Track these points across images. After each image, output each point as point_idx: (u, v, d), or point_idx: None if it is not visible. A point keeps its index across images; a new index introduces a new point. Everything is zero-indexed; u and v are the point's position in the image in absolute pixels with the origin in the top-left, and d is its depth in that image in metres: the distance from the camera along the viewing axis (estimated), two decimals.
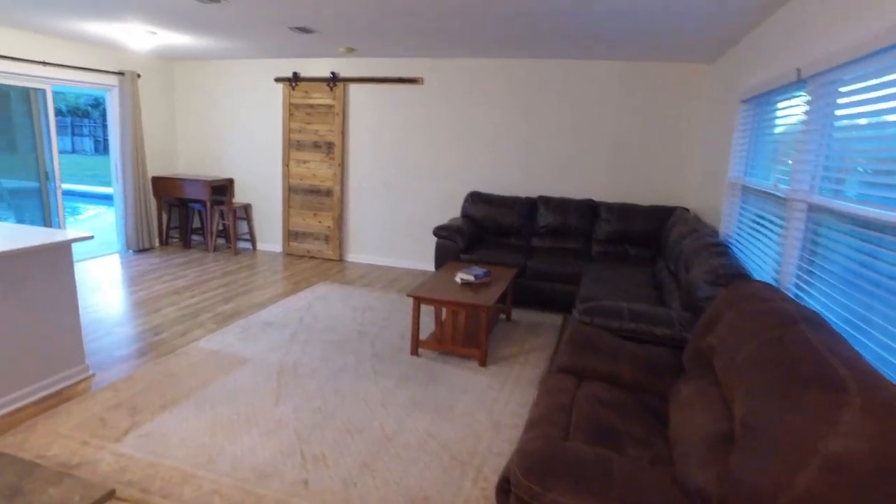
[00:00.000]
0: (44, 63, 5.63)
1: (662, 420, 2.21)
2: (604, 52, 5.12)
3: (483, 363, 3.79)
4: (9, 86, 5.49)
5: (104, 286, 5.31)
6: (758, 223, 3.33)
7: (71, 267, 3.36)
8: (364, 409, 3.17)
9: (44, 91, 5.79)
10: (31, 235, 3.25)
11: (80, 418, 2.96)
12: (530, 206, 5.63)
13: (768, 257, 2.99)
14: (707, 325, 2.28)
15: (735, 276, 2.70)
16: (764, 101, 3.52)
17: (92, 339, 4.02)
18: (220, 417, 3.02)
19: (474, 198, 5.82)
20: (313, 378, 3.53)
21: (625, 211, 5.28)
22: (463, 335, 3.86)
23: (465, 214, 5.84)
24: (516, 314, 4.96)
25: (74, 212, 11.01)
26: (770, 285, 2.16)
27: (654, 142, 5.51)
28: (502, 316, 4.84)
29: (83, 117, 18.57)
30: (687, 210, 5.13)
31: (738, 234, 3.75)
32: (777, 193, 2.96)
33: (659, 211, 5.20)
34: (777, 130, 3.22)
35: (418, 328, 3.92)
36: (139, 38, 5.32)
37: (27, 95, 5.75)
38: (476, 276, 4.14)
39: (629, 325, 2.84)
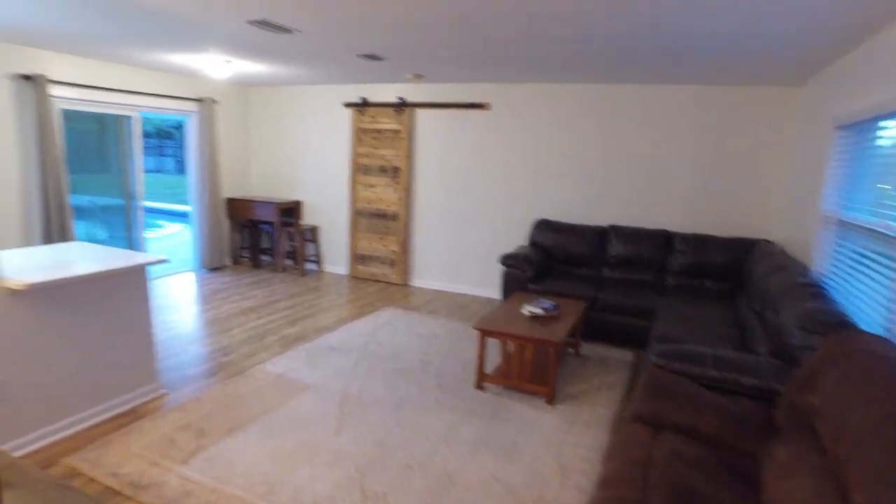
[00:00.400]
0: (132, 92, 5.97)
1: (753, 485, 2.00)
2: (679, 76, 4.92)
3: (550, 401, 3.63)
4: (102, 113, 5.85)
5: (179, 304, 5.50)
6: (861, 262, 3.03)
7: (146, 288, 3.47)
8: (426, 445, 3.08)
9: (131, 118, 6.13)
10: (109, 257, 3.38)
11: (151, 438, 3.01)
12: (601, 235, 5.44)
13: (876, 303, 2.71)
14: (807, 380, 2.06)
15: (836, 324, 2.45)
16: (867, 128, 3.24)
17: (165, 357, 4.13)
18: (283, 445, 3.00)
19: (543, 225, 5.68)
20: (375, 408, 3.47)
21: (701, 242, 5.00)
22: (530, 370, 3.71)
23: (532, 242, 5.71)
24: (585, 348, 4.76)
25: (155, 227, 11.60)
26: (884, 339, 1.93)
27: (733, 170, 5.21)
28: (570, 350, 4.65)
29: (167, 138, 19.72)
30: (770, 243, 4.80)
31: (835, 274, 3.44)
32: (888, 232, 2.68)
33: (739, 243, 4.89)
34: (887, 161, 2.93)
35: (483, 361, 3.80)
36: (217, 66, 5.55)
37: (118, 122, 6.11)
38: (544, 309, 4.00)
39: (712, 372, 2.63)
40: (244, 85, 7.34)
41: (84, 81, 5.56)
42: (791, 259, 3.88)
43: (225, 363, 4.09)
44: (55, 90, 5.32)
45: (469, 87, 6.19)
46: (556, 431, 3.29)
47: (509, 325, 3.76)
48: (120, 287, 3.28)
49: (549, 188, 5.96)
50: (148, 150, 19.73)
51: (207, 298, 5.76)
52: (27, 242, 5.21)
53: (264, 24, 3.76)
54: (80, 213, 6.04)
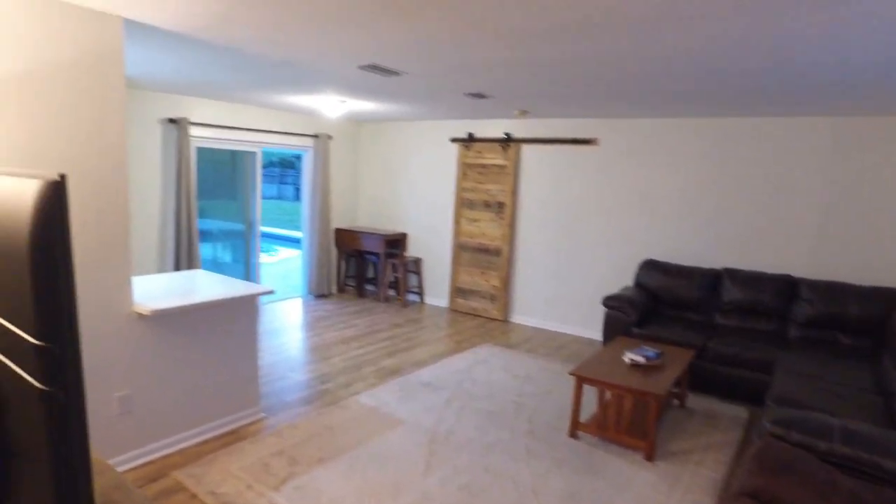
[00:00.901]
0: (257, 130, 6.49)
1: None
2: (809, 107, 4.50)
3: (650, 457, 3.36)
4: (230, 150, 6.40)
5: (284, 329, 5.79)
6: None
7: (255, 316, 3.68)
8: (513, 495, 2.95)
9: (255, 153, 6.65)
10: (225, 287, 3.62)
11: (249, 460, 3.15)
12: (713, 279, 5.05)
13: None
14: None
15: None
16: None
17: (267, 382, 4.34)
18: (370, 481, 3.00)
19: (649, 266, 5.38)
20: (464, 450, 3.39)
21: (834, 291, 4.48)
22: (628, 422, 3.47)
23: (638, 283, 5.42)
24: (692, 401, 4.39)
25: (271, 251, 12.46)
26: None
27: (874, 210, 4.64)
28: (675, 401, 4.32)
29: (289, 167, 21.23)
30: None
31: None
32: None
33: (883, 293, 4.32)
34: None
35: (579, 409, 3.61)
36: (332, 106, 5.88)
37: (242, 156, 6.66)
38: (647, 358, 3.75)
39: (842, 449, 2.29)
40: (357, 121, 7.73)
41: (217, 122, 6.13)
42: None
43: (322, 391, 4.22)
44: (193, 130, 5.90)
45: (577, 122, 6.08)
46: (653, 492, 3.03)
47: (608, 373, 3.56)
48: (232, 315, 3.51)
49: (658, 227, 5.66)
50: (270, 178, 21.45)
51: (311, 325, 6.02)
52: (160, 266, 5.76)
53: (374, 68, 3.93)
54: (206, 236, 6.60)
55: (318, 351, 5.15)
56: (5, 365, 1.31)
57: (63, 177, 1.14)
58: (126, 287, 2.96)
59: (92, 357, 2.85)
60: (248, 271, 6.85)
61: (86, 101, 2.72)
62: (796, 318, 4.62)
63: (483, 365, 4.98)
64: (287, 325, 5.98)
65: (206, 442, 3.37)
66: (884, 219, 4.63)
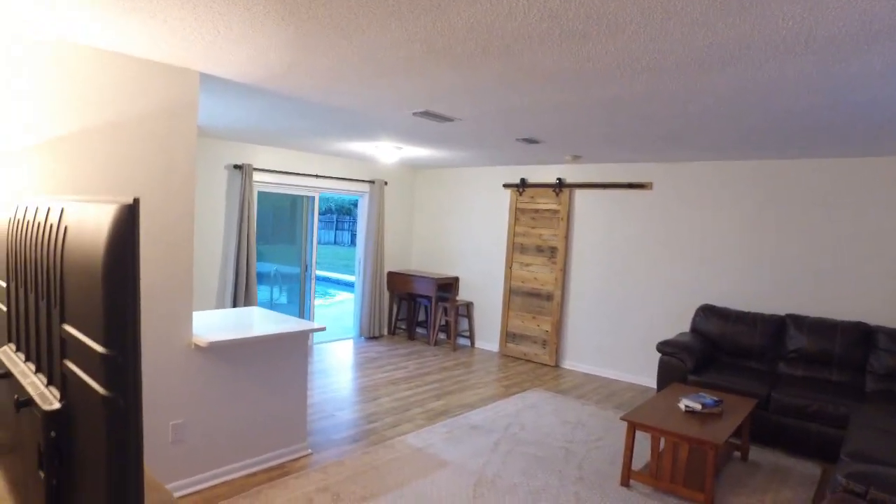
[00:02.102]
0: (315, 176, 6.78)
1: None
2: (874, 147, 4.35)
3: None
4: (289, 194, 6.69)
5: (335, 369, 5.86)
6: None
7: (305, 353, 3.76)
8: None
9: (313, 198, 6.92)
10: (278, 323, 3.73)
11: (294, 495, 3.16)
12: (777, 326, 4.81)
13: None
14: None
15: None
16: None
17: (316, 419, 4.38)
18: None
19: (707, 312, 5.20)
20: (510, 495, 3.30)
21: None
22: (684, 473, 3.30)
23: (694, 329, 5.23)
24: (756, 454, 4.13)
25: (327, 295, 12.73)
26: None
27: None
28: (736, 454, 4.08)
29: (346, 214, 21.88)
30: None
31: None
32: None
33: None
34: None
35: (631, 456, 3.47)
36: (388, 152, 6.10)
37: (301, 201, 6.94)
38: (704, 405, 3.58)
39: None
40: (413, 167, 7.96)
41: (278, 168, 6.44)
42: None
43: (368, 430, 4.22)
44: (256, 176, 6.23)
45: (630, 167, 6.06)
46: None
47: (662, 420, 3.42)
48: (283, 350, 3.60)
49: (715, 272, 5.48)
50: (328, 224, 22.18)
51: (362, 366, 6.07)
52: (220, 304, 5.99)
53: (427, 114, 4.08)
54: (263, 278, 6.85)
55: (366, 391, 5.18)
56: (75, 374, 1.40)
57: (136, 200, 1.24)
58: (187, 320, 3.10)
59: (151, 385, 2.98)
60: (302, 312, 7.02)
61: (163, 148, 2.94)
62: (874, 370, 4.33)
63: (532, 410, 4.87)
64: (337, 365, 6.05)
65: (253, 475, 3.42)
66: None
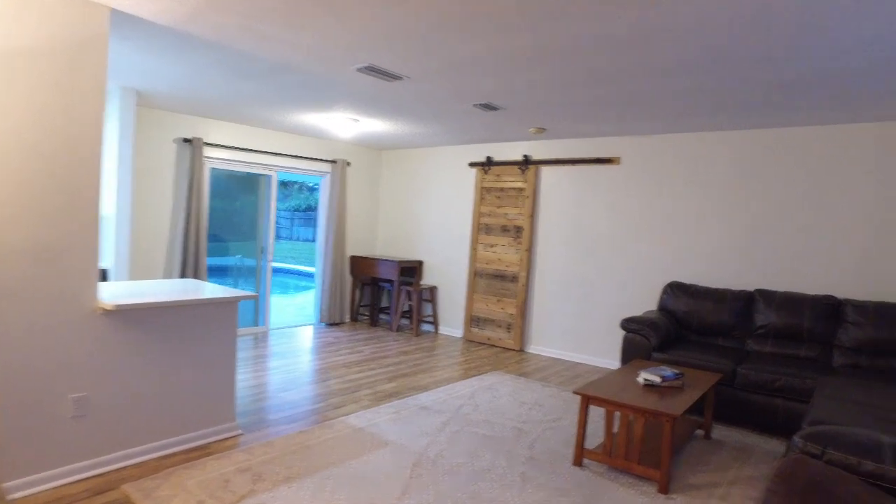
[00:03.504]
0: (273, 153, 6.45)
1: None
2: (853, 113, 4.14)
3: (664, 489, 2.91)
4: (243, 172, 6.35)
5: (287, 354, 5.53)
6: None
7: (234, 326, 3.43)
8: None
9: (270, 176, 6.58)
10: (202, 290, 3.42)
11: (209, 475, 2.85)
12: (745, 301, 4.58)
13: None
14: None
15: None
16: None
17: (256, 401, 4.06)
18: (338, 502, 2.65)
19: (674, 289, 4.96)
20: (451, 475, 3.01)
21: (886, 312, 3.97)
22: (640, 449, 3.04)
23: (662, 307, 4.99)
24: (719, 432, 3.89)
25: (289, 287, 12.40)
26: None
27: None
28: (699, 431, 3.83)
29: (313, 210, 21.56)
30: None
31: None
32: None
33: None
34: None
35: (584, 433, 3.20)
36: (345, 126, 5.79)
37: (258, 179, 6.59)
38: (663, 378, 3.32)
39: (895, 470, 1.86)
40: (377, 148, 7.66)
41: (233, 143, 6.11)
42: None
43: (310, 411, 3.91)
44: (208, 151, 5.89)
45: (596, 141, 5.81)
46: None
47: (618, 393, 3.15)
48: (208, 321, 3.28)
49: (683, 248, 5.24)
50: (308, 221, 21.86)
51: (317, 350, 5.75)
52: (167, 275, 5.64)
53: (373, 69, 3.79)
54: (218, 264, 6.49)
55: (315, 374, 4.86)
56: None
57: None
58: (90, 280, 2.78)
59: (44, 351, 2.65)
60: (257, 298, 6.66)
61: (63, 88, 2.62)
62: (842, 343, 4.11)
63: (489, 391, 4.59)
64: (290, 349, 5.72)
65: (171, 456, 3.10)
66: None
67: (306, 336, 6.42)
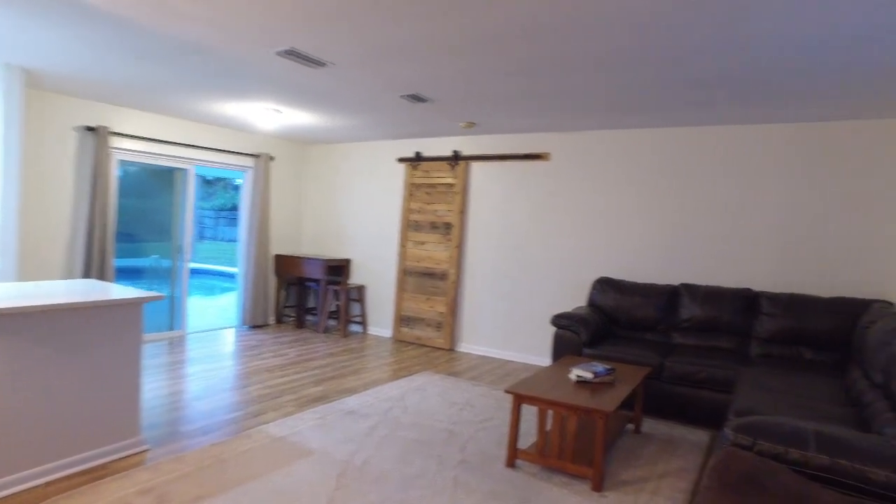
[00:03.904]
0: (189, 145, 6.02)
1: None
2: (771, 114, 4.29)
3: (598, 487, 2.86)
4: (158, 166, 5.89)
5: (203, 359, 5.17)
6: None
7: (139, 330, 3.11)
8: None
9: (187, 171, 6.15)
10: (100, 292, 3.08)
11: (108, 499, 2.54)
12: (671, 296, 4.68)
13: None
14: None
15: None
16: None
17: (167, 412, 3.73)
18: None
19: (603, 284, 4.99)
20: (379, 484, 2.84)
21: (796, 303, 4.14)
22: (573, 447, 2.98)
23: (591, 303, 5.02)
24: (648, 425, 3.93)
25: (213, 289, 11.79)
26: None
27: (838, 219, 4.37)
28: (629, 426, 3.85)
29: (235, 210, 20.71)
30: (890, 304, 3.88)
31: None
32: None
33: (847, 304, 4.00)
34: None
35: (517, 433, 3.11)
36: (267, 117, 5.48)
37: (173, 174, 6.14)
38: (595, 374, 3.29)
39: (819, 457, 1.85)
40: (302, 142, 7.34)
41: (145, 134, 5.65)
42: None
43: (225, 421, 3.62)
44: (115, 141, 5.41)
45: (527, 137, 5.78)
46: None
47: (550, 391, 3.08)
48: (107, 327, 2.94)
49: (612, 244, 5.30)
50: (221, 220, 20.90)
51: (237, 355, 5.41)
52: (67, 276, 5.14)
53: (293, 54, 3.56)
54: (128, 268, 5.99)
55: (234, 380, 4.55)
56: None
57: None
58: None
59: None
60: (173, 300, 6.22)
61: None
62: (759, 334, 4.25)
63: (418, 393, 4.44)
64: (208, 354, 5.35)
65: (60, 480, 2.75)
66: (847, 228, 4.35)
67: (227, 340, 6.05)
